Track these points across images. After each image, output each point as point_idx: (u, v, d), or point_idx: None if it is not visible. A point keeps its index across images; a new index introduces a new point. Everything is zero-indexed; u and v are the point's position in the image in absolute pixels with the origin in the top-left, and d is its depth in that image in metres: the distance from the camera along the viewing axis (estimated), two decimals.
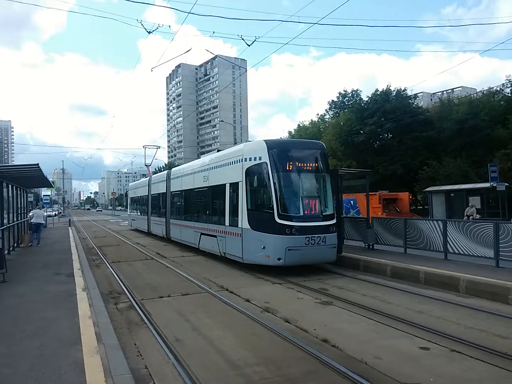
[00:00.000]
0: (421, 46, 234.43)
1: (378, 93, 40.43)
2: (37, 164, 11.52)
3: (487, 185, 23.15)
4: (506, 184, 22.59)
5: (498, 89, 39.49)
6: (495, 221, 10.41)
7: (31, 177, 15.50)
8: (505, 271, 8.98)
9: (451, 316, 6.81)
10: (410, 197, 28.77)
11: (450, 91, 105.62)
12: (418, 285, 9.24)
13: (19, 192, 17.48)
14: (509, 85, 37.88)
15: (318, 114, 59.31)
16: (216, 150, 15.61)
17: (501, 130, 33.07)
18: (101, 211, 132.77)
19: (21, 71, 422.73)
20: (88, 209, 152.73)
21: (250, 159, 11.34)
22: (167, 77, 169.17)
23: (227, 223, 12.34)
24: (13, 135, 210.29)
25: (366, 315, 6.92)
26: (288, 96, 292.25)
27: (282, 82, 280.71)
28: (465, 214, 20.26)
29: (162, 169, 69.84)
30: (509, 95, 38.21)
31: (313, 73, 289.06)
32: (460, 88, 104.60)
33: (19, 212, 17.75)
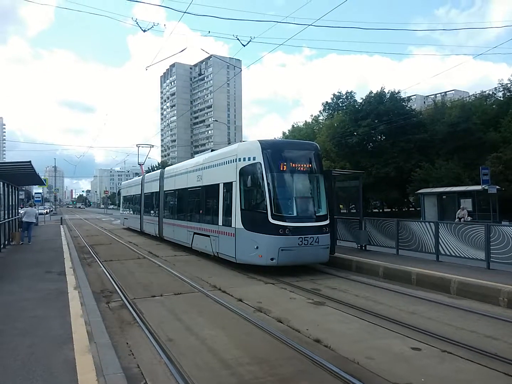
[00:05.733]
0: (413, 48, 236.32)
1: (372, 95, 40.65)
2: (30, 161, 11.44)
3: (478, 187, 23.38)
4: (497, 187, 22.85)
5: (491, 93, 39.94)
6: (486, 223, 10.51)
7: (23, 175, 15.38)
8: (496, 273, 9.07)
9: (443, 317, 6.86)
10: None
11: (443, 94, 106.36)
12: (410, 286, 9.29)
13: (10, 190, 17.31)
14: (501, 89, 38.30)
15: (312, 115, 59.54)
16: (210, 150, 15.59)
17: (493, 133, 33.39)
18: (84, 208, 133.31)
19: (8, 67, 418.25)
20: (80, 207, 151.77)
21: (244, 159, 11.33)
22: (161, 76, 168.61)
23: (220, 223, 12.32)
24: (4, 132, 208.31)
25: (358, 316, 6.95)
26: (281, 96, 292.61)
27: (274, 81, 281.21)
28: (456, 216, 20.42)
29: (156, 168, 69.61)
30: (501, 99, 38.61)
31: (306, 73, 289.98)
32: (453, 91, 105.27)
33: (10, 209, 17.58)
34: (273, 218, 10.38)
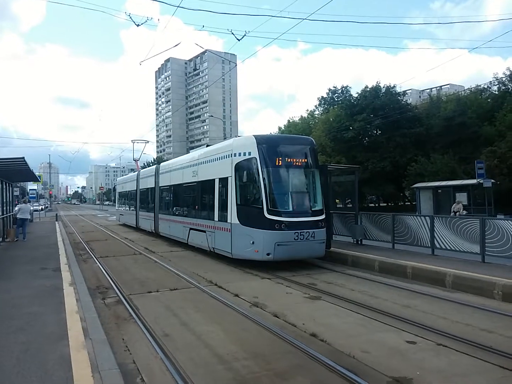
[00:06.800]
0: (408, 42, 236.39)
1: (368, 89, 40.62)
2: (23, 157, 11.36)
3: (473, 181, 23.46)
4: (492, 180, 22.91)
5: (486, 86, 39.99)
6: (481, 217, 10.54)
7: (17, 171, 15.27)
8: (491, 266, 9.12)
9: (438, 311, 6.88)
10: None
11: (438, 88, 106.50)
12: (406, 280, 9.32)
13: (4, 186, 17.20)
14: (496, 83, 38.36)
15: (307, 110, 59.39)
16: (205, 145, 15.55)
17: (488, 127, 33.46)
18: (79, 204, 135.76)
19: (1, 62, 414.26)
20: (74, 203, 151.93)
21: (239, 154, 11.30)
22: (156, 71, 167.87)
23: (216, 218, 12.30)
24: None
25: (354, 310, 6.97)
26: (277, 90, 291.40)
27: (270, 76, 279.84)
28: (452, 210, 20.49)
29: (151, 164, 69.38)
30: (496, 92, 38.67)
31: (301, 67, 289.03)
32: (448, 86, 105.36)
33: (4, 206, 17.47)
34: (268, 213, 10.37)
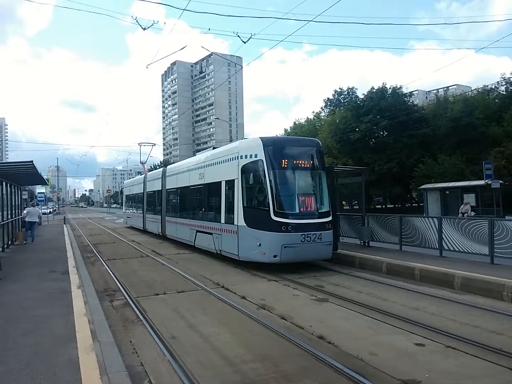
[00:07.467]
0: (414, 43, 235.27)
1: (374, 90, 40.54)
2: (31, 161, 11.45)
3: (481, 182, 23.28)
4: (500, 181, 22.73)
5: (493, 87, 39.75)
6: (490, 218, 10.46)
7: (26, 175, 15.40)
8: (500, 268, 9.03)
9: (446, 313, 6.83)
10: None
11: (445, 89, 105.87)
12: (414, 282, 9.27)
13: (13, 190, 17.35)
14: (503, 83, 38.11)
15: (313, 112, 59.42)
16: (211, 148, 15.58)
17: (495, 128, 33.23)
18: (86, 207, 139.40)
19: (9, 67, 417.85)
20: (82, 206, 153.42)
21: (246, 157, 11.31)
22: (162, 74, 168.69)
23: (223, 220, 12.32)
24: (7, 132, 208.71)
25: (361, 312, 6.93)
26: (282, 92, 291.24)
27: (275, 78, 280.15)
28: (459, 212, 20.33)
29: (158, 167, 69.61)
30: (504, 93, 38.41)
31: (307, 69, 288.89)
32: (455, 86, 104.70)
33: (13, 209, 17.62)
34: (275, 215, 10.36)
